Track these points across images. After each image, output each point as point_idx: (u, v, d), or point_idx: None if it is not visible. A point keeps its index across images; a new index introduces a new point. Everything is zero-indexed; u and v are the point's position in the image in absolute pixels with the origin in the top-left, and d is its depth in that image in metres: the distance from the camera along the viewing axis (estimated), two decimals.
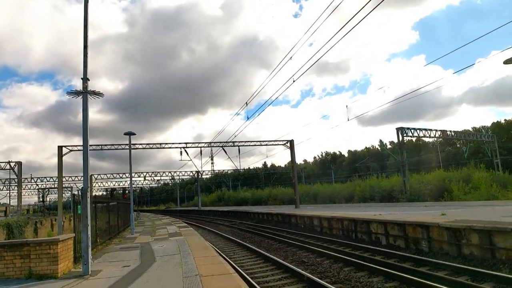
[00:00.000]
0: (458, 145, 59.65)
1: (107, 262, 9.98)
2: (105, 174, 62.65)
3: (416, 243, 12.13)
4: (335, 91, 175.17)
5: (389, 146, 72.79)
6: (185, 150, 38.12)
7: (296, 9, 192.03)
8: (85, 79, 8.58)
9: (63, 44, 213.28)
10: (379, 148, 79.16)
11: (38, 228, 36.31)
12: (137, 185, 78.90)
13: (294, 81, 19.35)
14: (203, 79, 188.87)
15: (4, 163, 43.19)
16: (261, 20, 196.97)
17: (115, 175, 63.09)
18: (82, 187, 8.57)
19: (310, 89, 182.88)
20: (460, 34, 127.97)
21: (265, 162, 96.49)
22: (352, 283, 8.48)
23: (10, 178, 50.99)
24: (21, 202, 45.39)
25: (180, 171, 68.92)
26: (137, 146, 36.10)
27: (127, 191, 35.57)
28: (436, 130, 35.74)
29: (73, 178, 64.52)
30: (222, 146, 39.08)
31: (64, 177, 50.45)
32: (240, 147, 38.68)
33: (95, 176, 60.60)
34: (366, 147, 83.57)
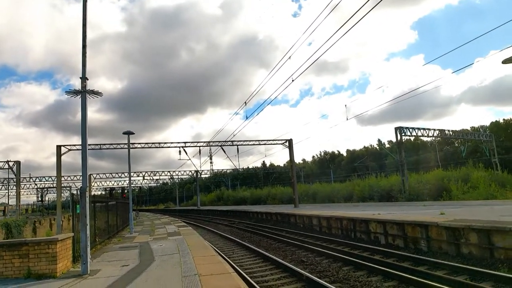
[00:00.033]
0: (456, 145, 59.78)
1: (106, 261, 9.97)
2: (104, 174, 62.58)
3: (415, 242, 12.14)
4: (334, 91, 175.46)
5: (387, 146, 72.78)
6: (184, 150, 38.12)
7: (295, 8, 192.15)
8: (83, 79, 8.57)
9: (61, 43, 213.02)
10: (377, 147, 79.18)
11: (36, 227, 36.26)
12: (136, 185, 78.95)
13: (293, 80, 19.35)
14: (202, 79, 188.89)
15: (3, 163, 43.07)
16: (261, 20, 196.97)
17: (114, 174, 63.02)
18: (81, 187, 8.56)
19: (309, 89, 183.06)
20: (459, 33, 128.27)
21: (264, 161, 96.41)
22: (351, 282, 8.49)
23: (8, 178, 50.82)
24: (19, 202, 45.29)
25: (179, 171, 68.88)
26: (136, 145, 36.06)
27: (126, 191, 35.57)
28: (434, 130, 35.81)
29: (71, 177, 64.46)
30: (221, 146, 39.09)
31: (63, 176, 50.38)
32: (239, 146, 38.71)
33: (94, 175, 60.53)
34: (364, 147, 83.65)
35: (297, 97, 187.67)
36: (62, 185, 44.38)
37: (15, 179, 44.54)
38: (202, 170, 64.38)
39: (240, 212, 37.63)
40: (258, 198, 59.77)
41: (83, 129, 8.47)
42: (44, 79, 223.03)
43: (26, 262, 7.98)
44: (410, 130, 33.33)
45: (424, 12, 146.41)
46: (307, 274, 8.95)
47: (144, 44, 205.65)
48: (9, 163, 42.80)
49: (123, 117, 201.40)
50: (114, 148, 35.67)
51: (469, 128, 57.33)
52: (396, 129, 32.08)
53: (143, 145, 37.04)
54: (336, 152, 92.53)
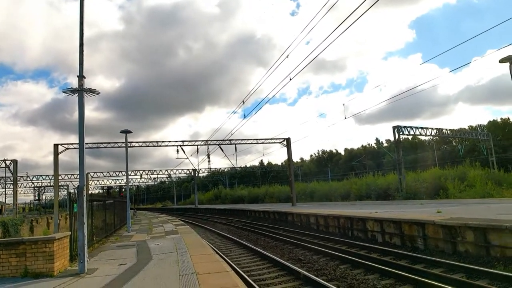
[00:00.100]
0: (454, 144, 59.98)
1: (103, 260, 9.97)
2: (102, 172, 62.49)
3: (412, 240, 12.19)
4: (332, 89, 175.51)
5: (385, 144, 72.91)
6: (182, 148, 38.14)
7: (293, 7, 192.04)
8: (81, 77, 8.55)
9: (58, 42, 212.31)
10: (375, 146, 79.30)
11: (34, 226, 36.15)
12: (134, 183, 78.83)
13: (291, 79, 19.37)
14: (200, 77, 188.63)
15: (0, 161, 42.94)
16: (260, 19, 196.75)
17: (111, 173, 62.92)
18: (78, 185, 8.54)
19: (307, 87, 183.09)
20: (456, 32, 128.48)
21: (261, 160, 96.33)
22: (348, 281, 8.52)
23: (5, 177, 50.72)
24: (16, 201, 45.16)
25: (177, 169, 68.84)
26: (133, 144, 36.01)
27: (123, 189, 35.51)
28: (432, 129, 35.95)
29: (69, 176, 64.45)
30: (219, 144, 39.10)
31: (60, 175, 50.28)
32: (237, 145, 38.75)
33: (91, 174, 60.42)
34: (362, 145, 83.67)
35: (295, 95, 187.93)
36: (60, 184, 44.30)
37: (12, 178, 44.44)
38: (200, 169, 64.39)
39: (237, 211, 37.66)
40: (255, 196, 59.81)
41: (81, 128, 8.46)
42: (41, 78, 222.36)
43: (23, 261, 7.97)
44: (408, 129, 33.44)
45: (422, 11, 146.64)
46: (304, 272, 8.98)
47: (142, 43, 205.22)
48: (6, 161, 42.64)
49: (121, 115, 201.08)
50: (112, 147, 35.68)
51: (466, 127, 57.50)
52: (394, 128, 32.17)
53: (140, 143, 37.01)
54: (334, 151, 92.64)
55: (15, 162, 42.82)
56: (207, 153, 54.57)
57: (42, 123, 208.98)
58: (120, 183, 68.90)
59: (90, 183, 63.72)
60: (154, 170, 69.24)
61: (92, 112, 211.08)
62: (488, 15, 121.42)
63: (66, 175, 64.47)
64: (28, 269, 7.92)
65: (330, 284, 7.93)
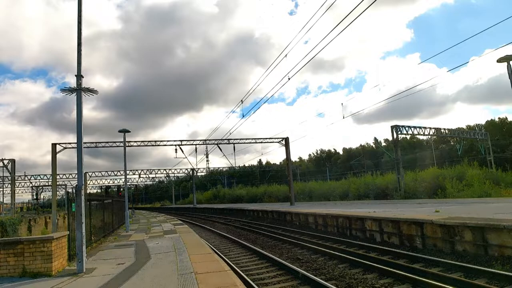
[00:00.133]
0: (452, 143, 60.10)
1: (101, 260, 9.95)
2: (100, 172, 62.43)
3: (410, 240, 12.21)
4: (330, 89, 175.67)
5: (384, 144, 73.02)
6: (180, 148, 38.09)
7: (292, 6, 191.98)
8: (79, 76, 8.52)
9: (56, 41, 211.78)
10: (374, 145, 79.42)
11: (32, 226, 36.12)
12: (132, 183, 78.69)
13: (289, 78, 19.38)
14: (198, 76, 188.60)
15: None
16: (260, 19, 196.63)
17: (109, 172, 62.85)
18: (76, 185, 8.52)
19: (305, 87, 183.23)
20: (454, 32, 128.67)
21: (260, 159, 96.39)
22: (346, 280, 8.52)
23: (3, 176, 50.63)
24: (14, 200, 45.08)
25: (175, 169, 68.95)
26: (132, 143, 35.97)
27: (121, 189, 35.46)
28: (430, 128, 35.99)
29: (67, 175, 64.32)
30: (217, 144, 39.08)
31: (58, 174, 50.22)
32: (235, 144, 38.75)
33: (90, 173, 60.33)
34: (361, 145, 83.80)
35: (294, 95, 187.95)
36: (58, 183, 44.21)
37: (10, 177, 44.31)
38: (198, 168, 64.47)
39: (236, 210, 37.65)
40: (254, 196, 59.84)
41: (79, 127, 8.44)
42: (39, 77, 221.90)
43: (21, 260, 7.94)
44: (406, 128, 33.48)
45: (420, 11, 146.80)
46: (303, 271, 8.98)
47: (140, 42, 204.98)
48: (4, 161, 42.57)
49: (119, 115, 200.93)
50: (110, 146, 35.66)
51: (464, 127, 57.63)
52: (392, 127, 32.21)
53: (139, 143, 36.97)
54: (333, 150, 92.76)
55: (13, 161, 42.72)
56: (205, 153, 54.62)
57: (40, 122, 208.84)
58: (119, 182, 68.89)
59: (88, 183, 63.61)
60: (153, 170, 69.23)
61: (91, 112, 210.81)
62: (486, 15, 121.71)
63: (64, 174, 64.39)
64: (26, 268, 7.90)
65: (329, 283, 7.93)
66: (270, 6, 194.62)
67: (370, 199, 33.38)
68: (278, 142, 37.22)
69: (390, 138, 35.90)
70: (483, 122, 61.73)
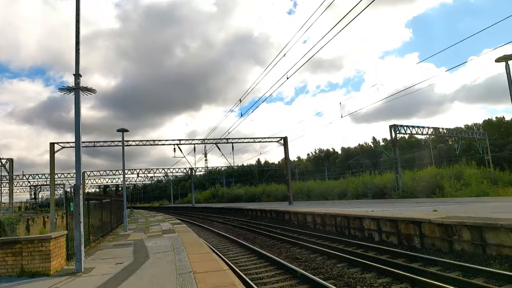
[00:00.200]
0: (450, 142, 60.22)
1: (100, 259, 9.94)
2: (98, 171, 62.28)
3: (409, 239, 12.23)
4: (329, 88, 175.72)
5: (382, 143, 73.12)
6: (179, 147, 38.03)
7: (291, 6, 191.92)
8: (77, 75, 8.50)
9: (54, 40, 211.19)
10: (372, 145, 79.51)
11: (30, 225, 36.03)
12: (131, 182, 78.63)
13: (288, 78, 19.37)
14: (197, 76, 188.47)
15: None
16: (259, 18, 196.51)
17: (108, 172, 62.73)
18: (74, 184, 8.51)
19: (304, 86, 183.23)
20: (453, 32, 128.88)
21: (258, 159, 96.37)
22: (345, 279, 8.54)
23: (1, 175, 50.42)
24: (12, 200, 44.97)
25: (174, 168, 68.90)
26: (130, 143, 35.92)
27: (120, 188, 35.43)
28: (428, 128, 36.03)
29: (65, 175, 64.14)
30: (216, 143, 39.05)
31: (57, 174, 50.12)
32: (233, 144, 38.71)
33: (88, 173, 60.22)
34: (359, 144, 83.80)
35: (292, 94, 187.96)
36: (56, 182, 44.10)
37: (8, 177, 44.20)
38: (197, 168, 64.43)
39: (235, 210, 37.66)
40: (253, 195, 59.85)
41: (77, 127, 8.42)
42: (37, 76, 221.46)
43: (20, 260, 7.93)
44: (405, 128, 33.50)
45: (419, 11, 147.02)
46: (301, 271, 8.99)
47: (139, 41, 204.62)
48: (2, 160, 42.45)
49: (118, 114, 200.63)
50: (109, 146, 35.62)
51: (462, 126, 57.75)
52: (390, 127, 32.23)
53: (137, 142, 36.91)
54: (331, 149, 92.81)
55: (11, 160, 42.62)
56: (204, 152, 54.57)
57: (38, 121, 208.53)
58: (117, 182, 68.84)
59: (86, 182, 63.51)
60: (151, 169, 69.31)
61: (89, 111, 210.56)
62: (485, 15, 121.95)
63: (63, 173, 64.19)
64: (24, 268, 7.89)
65: (327, 282, 7.94)
66: (269, 5, 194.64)
67: (368, 198, 33.42)
68: (276, 141, 37.22)
69: (389, 138, 35.98)
70: (480, 121, 61.85)
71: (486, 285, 7.01)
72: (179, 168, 69.33)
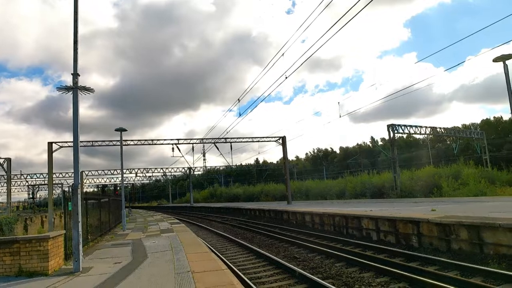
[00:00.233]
0: (448, 142, 60.35)
1: (98, 259, 9.93)
2: (96, 171, 62.21)
3: (407, 238, 12.26)
4: (327, 88, 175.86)
5: (380, 143, 73.25)
6: (177, 147, 38.01)
7: (289, 5, 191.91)
8: (75, 75, 8.49)
9: (52, 39, 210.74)
10: (370, 144, 79.62)
11: (28, 225, 36.00)
12: (129, 182, 78.55)
13: (286, 77, 19.39)
14: (195, 75, 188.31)
15: None
16: (258, 18, 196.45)
17: (106, 171, 62.70)
18: (72, 184, 8.49)
19: (302, 86, 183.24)
20: (451, 32, 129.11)
21: (257, 158, 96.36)
22: (343, 278, 8.55)
23: None
24: (10, 199, 44.87)
25: (172, 168, 68.98)
26: (128, 142, 35.86)
27: (118, 188, 35.39)
28: (426, 127, 36.10)
29: (63, 174, 64.04)
30: (214, 143, 39.03)
31: (55, 173, 49.94)
32: (232, 143, 38.70)
33: (86, 172, 60.13)
34: (357, 144, 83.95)
35: (291, 94, 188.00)
36: (54, 182, 43.99)
37: (5, 176, 44.11)
38: (195, 167, 64.44)
39: (233, 209, 37.66)
40: (251, 195, 59.85)
41: (75, 126, 8.41)
42: (35, 75, 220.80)
43: (17, 259, 7.91)
44: (403, 127, 33.54)
45: (417, 10, 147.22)
46: (299, 270, 9.01)
47: (137, 40, 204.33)
48: (0, 160, 42.33)
49: (116, 113, 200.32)
50: (107, 145, 35.55)
51: (460, 126, 57.89)
52: (388, 126, 32.25)
53: (135, 142, 36.87)
54: (329, 149, 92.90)
55: (8, 160, 42.53)
56: (202, 152, 54.60)
57: (36, 121, 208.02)
58: (115, 181, 68.77)
59: (85, 182, 63.43)
60: (149, 168, 69.20)
61: (87, 110, 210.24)
62: (483, 14, 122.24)
63: (61, 173, 64.10)
64: (22, 268, 7.87)
65: (326, 282, 7.95)
66: (268, 5, 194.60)
67: (366, 198, 33.46)
68: (275, 141, 37.22)
69: (387, 137, 36.04)
70: (478, 121, 62.02)
71: (484, 284, 7.03)
72: (177, 168, 69.39)
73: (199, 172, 79.83)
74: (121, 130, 20.20)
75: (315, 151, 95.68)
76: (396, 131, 32.78)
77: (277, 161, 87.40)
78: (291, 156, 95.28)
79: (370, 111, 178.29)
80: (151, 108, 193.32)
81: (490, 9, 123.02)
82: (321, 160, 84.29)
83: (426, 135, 43.36)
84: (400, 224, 12.60)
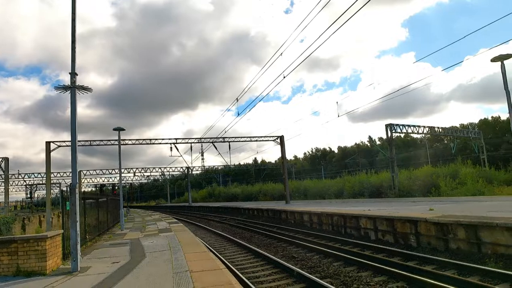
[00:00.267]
0: (446, 142, 60.51)
1: (96, 258, 9.92)
2: (95, 170, 62.08)
3: (405, 238, 12.29)
4: (325, 87, 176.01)
5: (378, 142, 73.36)
6: (175, 146, 38.00)
7: (288, 5, 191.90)
8: (73, 74, 8.46)
9: (50, 38, 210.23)
10: (368, 144, 79.74)
11: (26, 224, 35.91)
12: (127, 181, 78.41)
13: (284, 77, 19.38)
14: (193, 75, 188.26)
15: None
16: (256, 17, 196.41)
17: (104, 171, 62.58)
18: (70, 183, 8.47)
19: (301, 85, 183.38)
20: (449, 31, 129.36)
21: (255, 158, 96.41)
22: (341, 278, 8.56)
23: None
24: (8, 199, 44.69)
25: (170, 167, 68.78)
26: (126, 141, 35.82)
27: (116, 187, 35.34)
28: (424, 127, 36.16)
29: (61, 174, 63.89)
30: (212, 142, 39.02)
31: (53, 173, 49.89)
32: (230, 143, 38.70)
33: (84, 172, 60.00)
34: (355, 143, 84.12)
35: (289, 93, 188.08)
36: (52, 181, 43.94)
37: (3, 176, 43.94)
38: (194, 167, 64.29)
39: (231, 209, 37.65)
40: (249, 194, 59.86)
41: (73, 125, 8.38)
42: (32, 74, 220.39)
43: (15, 259, 7.89)
44: (401, 127, 33.59)
45: (415, 10, 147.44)
46: (298, 269, 9.01)
47: (135, 40, 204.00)
48: None
49: (114, 113, 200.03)
50: (105, 145, 35.52)
51: (458, 126, 58.04)
52: (386, 126, 32.30)
53: (134, 141, 36.82)
54: (328, 149, 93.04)
55: (6, 159, 42.36)
56: (200, 151, 54.37)
57: (34, 120, 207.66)
58: (113, 181, 68.73)
59: (83, 181, 63.29)
60: (148, 168, 69.26)
61: (85, 110, 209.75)
62: (481, 14, 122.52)
63: (59, 173, 63.92)
64: (20, 267, 7.85)
65: (324, 281, 7.96)
66: (266, 4, 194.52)
67: (364, 197, 33.51)
68: (273, 140, 37.23)
69: (385, 137, 36.04)
70: (476, 120, 62.31)
71: (481, 284, 7.06)
72: (175, 167, 69.21)
73: (198, 172, 79.91)
74: (119, 129, 20.16)
75: (314, 150, 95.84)
76: (394, 131, 32.83)
77: (275, 161, 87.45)
78: (289, 156, 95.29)
79: (368, 110, 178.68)
80: (149, 107, 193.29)
81: (488, 8, 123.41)
82: (319, 160, 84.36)
83: (424, 135, 43.42)
84: (398, 223, 12.63)
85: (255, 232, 19.01)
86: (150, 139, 37.73)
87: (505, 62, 19.85)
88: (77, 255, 8.12)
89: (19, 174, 63.58)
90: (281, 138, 36.45)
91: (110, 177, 70.71)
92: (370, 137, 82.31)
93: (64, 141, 31.70)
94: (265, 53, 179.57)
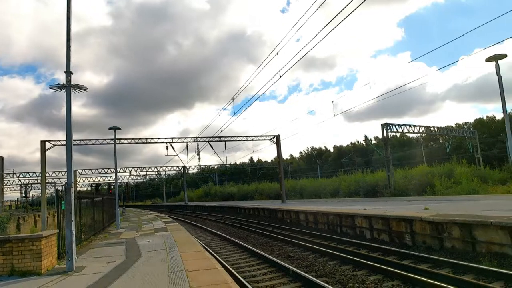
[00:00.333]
0: (441, 141, 60.83)
1: (92, 258, 9.89)
2: (90, 169, 61.84)
3: (400, 237, 12.34)
4: (322, 87, 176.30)
5: (374, 142, 73.61)
6: (171, 145, 37.89)
7: (284, 4, 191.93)
8: (68, 73, 8.43)
9: (46, 37, 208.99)
10: (364, 143, 79.98)
11: (21, 224, 35.73)
12: (123, 181, 78.19)
13: (280, 76, 19.40)
14: (189, 74, 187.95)
15: None
16: (252, 16, 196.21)
17: (100, 170, 62.40)
18: (66, 183, 8.44)
19: (297, 85, 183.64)
20: (445, 31, 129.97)
21: (251, 157, 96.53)
22: (337, 277, 8.59)
23: None
24: (3, 198, 44.38)
25: (166, 166, 68.80)
26: (122, 141, 35.71)
27: (112, 187, 35.20)
28: (420, 126, 36.30)
29: (57, 173, 63.53)
30: (208, 141, 38.97)
31: (48, 172, 49.55)
32: (226, 142, 38.66)
33: (80, 171, 59.72)
34: (351, 143, 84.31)
35: (285, 93, 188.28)
36: (47, 181, 43.68)
37: None
38: (190, 166, 64.25)
39: (227, 208, 37.65)
40: (245, 193, 59.87)
41: (68, 124, 8.35)
42: (27, 73, 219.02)
43: (10, 259, 7.85)
44: (396, 126, 33.70)
45: (411, 10, 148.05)
46: (293, 268, 9.03)
47: (131, 38, 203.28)
48: None
49: (110, 112, 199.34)
50: (100, 144, 35.36)
51: (453, 125, 58.37)
52: (382, 125, 32.39)
53: (129, 140, 36.72)
54: (323, 148, 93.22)
55: (1, 159, 42.03)
56: (196, 150, 54.31)
57: (29, 119, 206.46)
58: (109, 180, 68.50)
59: (78, 180, 62.98)
60: (144, 167, 69.01)
61: (81, 108, 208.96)
62: (476, 14, 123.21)
63: (54, 172, 63.55)
64: (15, 267, 7.81)
65: (319, 280, 7.98)
66: (262, 3, 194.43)
67: (360, 197, 33.61)
68: (269, 139, 37.24)
69: (380, 136, 36.22)
70: (471, 120, 62.64)
71: (475, 282, 7.11)
72: (171, 167, 69.29)
73: (194, 171, 79.61)
74: (115, 128, 20.12)
75: (309, 150, 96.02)
76: (390, 130, 32.93)
77: (271, 160, 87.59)
78: (285, 155, 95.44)
79: (364, 110, 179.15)
80: (145, 106, 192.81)
81: (483, 9, 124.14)
82: (315, 159, 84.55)
83: (419, 134, 43.61)
84: (394, 222, 12.68)
85: (251, 231, 19.02)
86: (146, 138, 37.66)
87: (499, 62, 19.99)
88: (72, 255, 8.09)
89: (14, 173, 63.17)
90: (277, 137, 36.48)
91: (106, 177, 70.41)
92: (366, 137, 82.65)
93: (60, 140, 31.56)
94: (261, 52, 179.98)
